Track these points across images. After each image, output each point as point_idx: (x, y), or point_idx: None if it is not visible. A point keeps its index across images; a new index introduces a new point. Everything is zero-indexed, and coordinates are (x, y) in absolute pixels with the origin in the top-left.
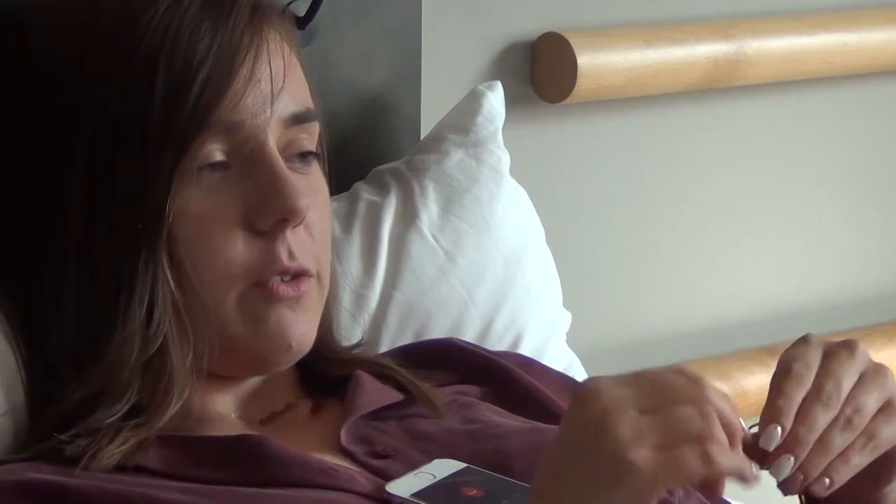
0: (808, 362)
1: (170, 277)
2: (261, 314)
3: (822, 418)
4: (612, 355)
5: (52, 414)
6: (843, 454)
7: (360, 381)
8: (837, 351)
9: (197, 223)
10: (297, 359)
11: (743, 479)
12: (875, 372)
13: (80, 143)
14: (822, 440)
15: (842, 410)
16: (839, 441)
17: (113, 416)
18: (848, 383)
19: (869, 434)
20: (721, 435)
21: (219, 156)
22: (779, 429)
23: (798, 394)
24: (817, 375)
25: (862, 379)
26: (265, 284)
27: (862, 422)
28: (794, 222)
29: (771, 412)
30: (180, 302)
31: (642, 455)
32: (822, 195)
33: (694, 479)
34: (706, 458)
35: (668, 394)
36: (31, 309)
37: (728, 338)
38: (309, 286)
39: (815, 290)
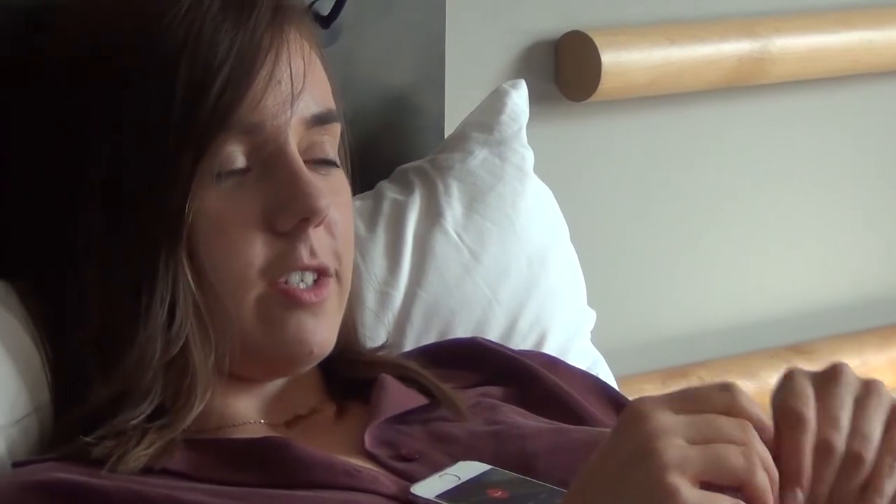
0: (804, 409)
1: (190, 278)
2: (280, 319)
3: (831, 473)
4: (637, 353)
5: (78, 414)
6: (874, 484)
7: (385, 384)
8: (827, 388)
9: (216, 224)
10: (317, 361)
11: None
12: (868, 393)
13: (99, 143)
14: (838, 492)
15: (848, 449)
16: (855, 481)
17: (138, 417)
18: (846, 418)
19: (893, 454)
20: (763, 480)
21: (239, 162)
22: (800, 494)
23: (807, 444)
24: (818, 424)
25: (858, 405)
26: (285, 287)
27: (871, 448)
28: (818, 220)
29: (789, 476)
30: (201, 303)
31: (685, 483)
32: (846, 193)
33: None
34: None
35: (715, 431)
36: (55, 309)
37: (753, 336)
38: (329, 289)
39: (840, 287)
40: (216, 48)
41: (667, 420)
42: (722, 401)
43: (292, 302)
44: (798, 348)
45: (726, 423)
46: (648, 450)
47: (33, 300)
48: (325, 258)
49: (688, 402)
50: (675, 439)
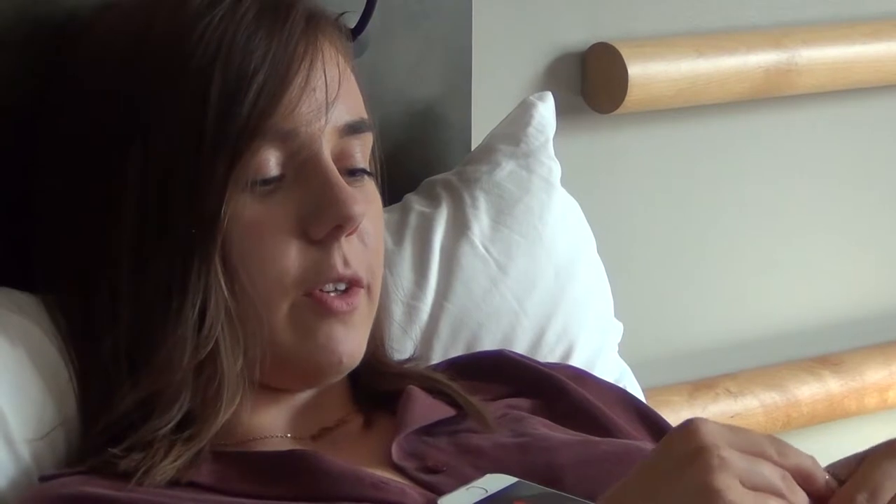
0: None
1: (223, 284)
2: (311, 327)
3: None
4: (664, 365)
5: (105, 423)
6: None
7: (412, 396)
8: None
9: (251, 231)
10: (346, 372)
11: None
12: None
13: (135, 150)
14: None
15: None
16: None
17: (166, 425)
18: None
19: None
20: None
21: (274, 170)
22: None
23: None
24: None
25: None
26: (318, 294)
27: None
28: (847, 231)
29: None
30: (233, 308)
31: None
32: (874, 204)
33: None
34: None
35: (764, 480)
36: (86, 314)
37: (780, 347)
38: (360, 299)
39: (867, 299)
40: (250, 56)
41: (732, 460)
42: (775, 448)
43: (323, 310)
44: (825, 359)
45: (771, 473)
46: (712, 488)
47: (62, 313)
48: (359, 269)
49: (744, 442)
50: (734, 481)
